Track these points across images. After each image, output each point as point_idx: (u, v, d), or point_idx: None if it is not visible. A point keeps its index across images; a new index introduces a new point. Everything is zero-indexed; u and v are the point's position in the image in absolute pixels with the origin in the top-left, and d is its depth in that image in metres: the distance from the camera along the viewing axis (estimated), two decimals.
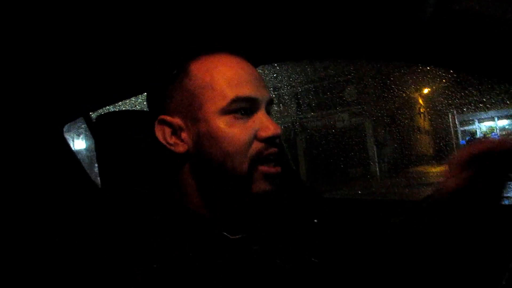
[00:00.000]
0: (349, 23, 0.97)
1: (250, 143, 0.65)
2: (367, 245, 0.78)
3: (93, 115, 1.65)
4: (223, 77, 0.66)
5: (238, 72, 0.67)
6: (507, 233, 0.75)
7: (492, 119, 13.91)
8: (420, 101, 14.33)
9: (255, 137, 0.65)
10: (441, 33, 0.78)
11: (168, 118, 0.68)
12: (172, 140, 0.68)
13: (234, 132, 0.64)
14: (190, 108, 0.66)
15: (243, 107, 0.65)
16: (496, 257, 0.63)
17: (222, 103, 0.64)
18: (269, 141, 0.66)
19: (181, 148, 0.67)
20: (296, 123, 12.82)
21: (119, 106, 1.48)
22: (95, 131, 0.86)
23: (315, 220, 0.78)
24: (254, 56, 1.26)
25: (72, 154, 1.64)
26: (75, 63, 1.16)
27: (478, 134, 13.82)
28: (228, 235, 0.65)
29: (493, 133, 13.05)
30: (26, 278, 0.73)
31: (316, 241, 0.74)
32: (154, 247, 0.59)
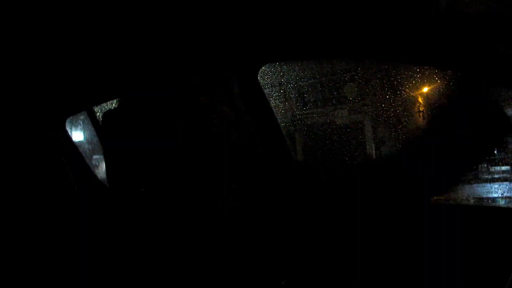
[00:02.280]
0: (357, 24, 0.97)
1: None
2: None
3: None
4: None
5: None
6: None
7: None
8: (420, 100, 14.29)
9: None
10: (449, 36, 0.78)
11: None
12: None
13: None
14: None
15: None
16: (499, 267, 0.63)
17: None
18: None
19: None
20: (295, 118, 12.80)
21: None
22: (101, 129, 0.85)
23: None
24: (261, 54, 1.25)
25: (73, 146, 1.63)
26: (80, 54, 1.15)
27: None
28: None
29: None
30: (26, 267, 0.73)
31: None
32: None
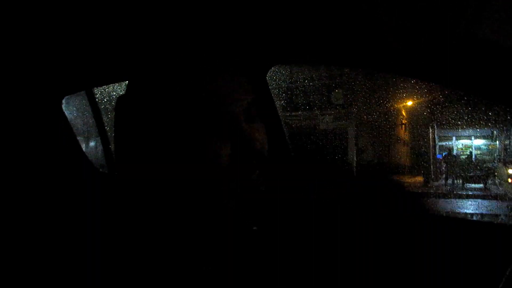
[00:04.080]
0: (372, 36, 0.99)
1: None
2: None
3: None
4: None
5: None
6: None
7: (469, 137, 14.34)
8: (403, 112, 14.60)
9: None
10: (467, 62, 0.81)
11: None
12: None
13: None
14: None
15: None
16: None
17: None
18: None
19: None
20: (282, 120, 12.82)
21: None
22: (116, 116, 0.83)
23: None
24: (271, 54, 1.26)
25: (69, 128, 1.59)
26: (85, 25, 1.09)
27: (455, 151, 14.23)
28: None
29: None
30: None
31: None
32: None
